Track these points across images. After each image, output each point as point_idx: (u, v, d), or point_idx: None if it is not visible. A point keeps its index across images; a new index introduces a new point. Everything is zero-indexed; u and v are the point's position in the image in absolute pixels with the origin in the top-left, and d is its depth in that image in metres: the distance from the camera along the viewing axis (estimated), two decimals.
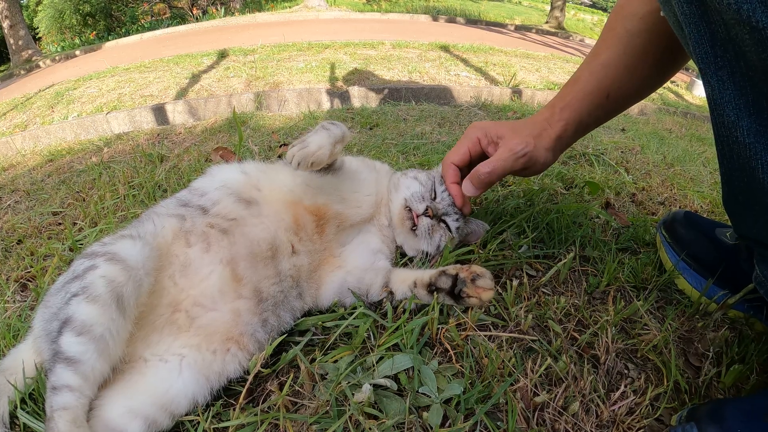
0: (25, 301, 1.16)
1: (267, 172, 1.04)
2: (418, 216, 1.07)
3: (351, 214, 1.06)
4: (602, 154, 2.15)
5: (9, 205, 1.92)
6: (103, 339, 0.70)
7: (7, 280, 1.29)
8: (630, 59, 0.99)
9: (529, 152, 1.00)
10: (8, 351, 0.91)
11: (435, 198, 1.10)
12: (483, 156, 1.09)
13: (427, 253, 1.09)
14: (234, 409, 0.78)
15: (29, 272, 1.29)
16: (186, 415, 0.77)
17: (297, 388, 0.82)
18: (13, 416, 0.80)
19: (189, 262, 0.86)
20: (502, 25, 12.14)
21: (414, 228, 1.07)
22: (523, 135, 1.02)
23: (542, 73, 5.55)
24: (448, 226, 1.09)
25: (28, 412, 0.80)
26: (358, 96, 4.06)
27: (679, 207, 1.62)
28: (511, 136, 1.03)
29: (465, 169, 1.11)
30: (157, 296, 0.82)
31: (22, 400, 0.81)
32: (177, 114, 3.93)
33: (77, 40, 14.45)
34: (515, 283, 1.01)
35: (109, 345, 0.71)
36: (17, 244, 1.49)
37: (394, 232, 1.13)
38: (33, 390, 0.83)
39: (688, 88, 6.36)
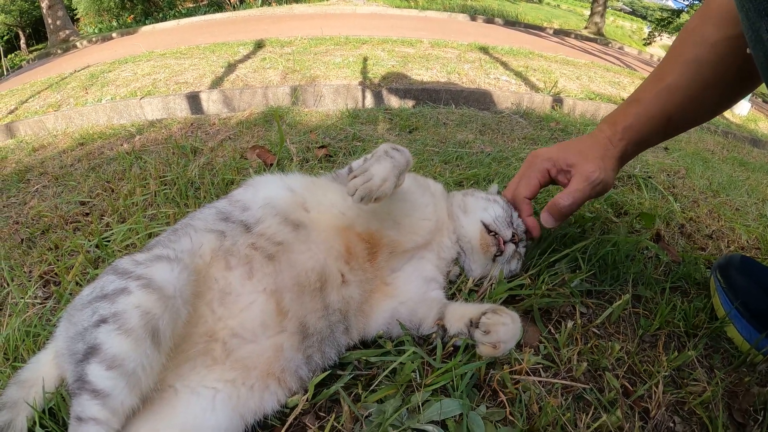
0: (47, 303, 1.09)
1: (314, 191, 0.94)
2: (505, 242, 1.02)
3: (405, 240, 0.96)
4: (650, 177, 2.07)
5: (36, 189, 1.87)
6: (135, 374, 0.63)
7: (30, 273, 1.22)
8: (696, 89, 0.97)
9: (603, 178, 1.02)
10: (28, 359, 0.86)
11: (513, 223, 1.06)
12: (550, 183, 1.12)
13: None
14: None
15: (52, 268, 1.22)
16: None
17: (338, 427, 0.75)
18: None
19: (229, 288, 0.76)
20: (541, 29, 11.91)
21: (499, 255, 1.02)
22: (591, 159, 1.03)
23: (583, 81, 5.35)
24: (519, 252, 1.07)
25: (48, 430, 0.74)
26: (396, 95, 3.94)
27: (727, 242, 1.56)
28: (582, 162, 1.04)
29: None
30: (192, 324, 0.73)
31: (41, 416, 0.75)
32: (212, 103, 3.86)
33: (114, 23, 14.71)
34: (569, 323, 0.96)
35: (141, 380, 0.64)
36: (42, 234, 1.43)
37: (468, 255, 1.06)
38: (53, 404, 0.77)
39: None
